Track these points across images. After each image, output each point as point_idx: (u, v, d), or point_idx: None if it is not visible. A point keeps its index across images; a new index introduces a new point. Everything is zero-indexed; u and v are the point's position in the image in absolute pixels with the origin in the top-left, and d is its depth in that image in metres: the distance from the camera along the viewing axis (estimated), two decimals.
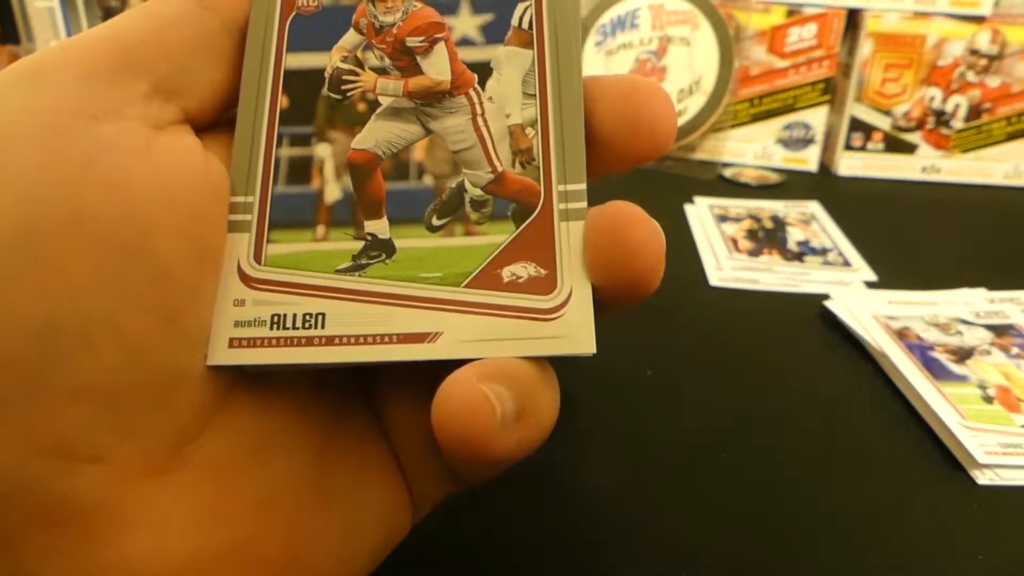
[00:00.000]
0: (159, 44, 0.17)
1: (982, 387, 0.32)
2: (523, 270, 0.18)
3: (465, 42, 0.20)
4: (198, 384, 0.16)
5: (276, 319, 0.17)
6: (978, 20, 0.60)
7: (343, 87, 0.19)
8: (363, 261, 0.18)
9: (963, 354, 0.35)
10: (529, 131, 0.19)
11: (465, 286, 0.18)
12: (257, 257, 0.18)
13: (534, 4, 0.20)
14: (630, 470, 0.29)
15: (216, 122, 0.18)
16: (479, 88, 0.19)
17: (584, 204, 0.18)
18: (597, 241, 0.17)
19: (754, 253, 0.48)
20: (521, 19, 0.20)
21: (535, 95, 0.19)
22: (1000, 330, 0.37)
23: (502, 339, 0.17)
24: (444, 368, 0.16)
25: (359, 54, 0.19)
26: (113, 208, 0.15)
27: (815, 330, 0.39)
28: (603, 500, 0.27)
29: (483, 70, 0.19)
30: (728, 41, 0.63)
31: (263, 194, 0.18)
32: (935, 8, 0.60)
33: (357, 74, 0.19)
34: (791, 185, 0.61)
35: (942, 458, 0.29)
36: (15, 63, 0.16)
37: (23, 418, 0.13)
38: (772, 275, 0.45)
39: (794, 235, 0.50)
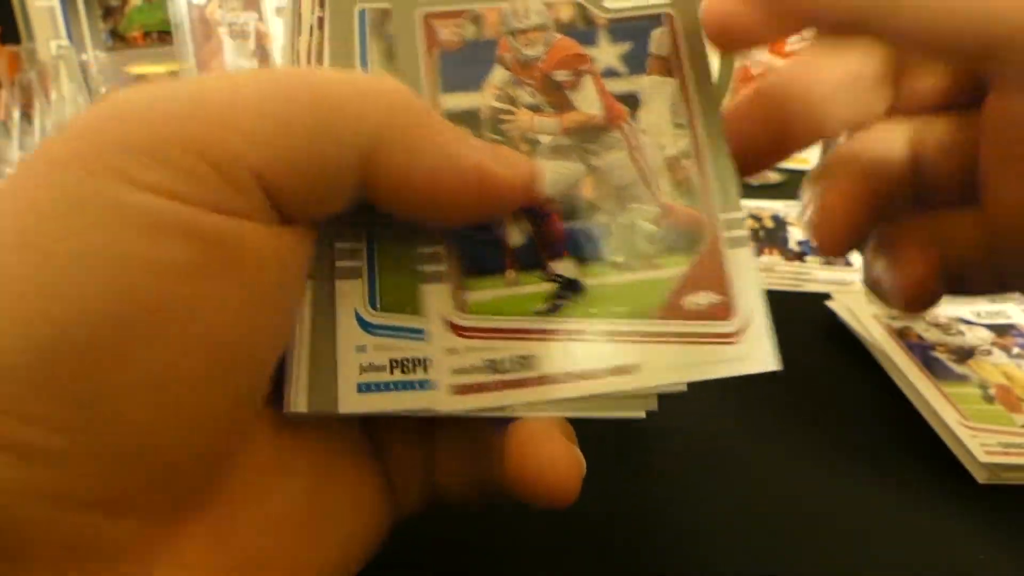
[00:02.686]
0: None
1: (983, 387, 0.32)
2: (703, 298, 0.19)
3: (610, 73, 0.20)
4: (239, 433, 0.16)
5: (490, 364, 0.18)
6: None
7: (501, 127, 0.19)
8: (557, 302, 0.18)
9: (964, 354, 0.35)
10: (684, 162, 0.19)
11: (655, 319, 0.18)
12: (462, 306, 0.18)
13: (669, 29, 0.20)
14: (626, 464, 0.29)
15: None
16: (631, 121, 0.20)
17: (745, 232, 0.19)
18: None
19: (755, 253, 0.48)
20: (660, 45, 0.20)
21: (685, 126, 0.20)
22: (1001, 330, 0.37)
23: (696, 364, 0.18)
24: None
25: (511, 91, 0.20)
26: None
27: (816, 330, 0.39)
28: (594, 497, 0.27)
29: (632, 102, 0.20)
30: None
31: (449, 243, 0.18)
32: None
33: (513, 113, 0.19)
34: (792, 184, 0.61)
35: (943, 457, 0.29)
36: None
37: (67, 475, 0.13)
38: (773, 275, 0.45)
39: (795, 235, 0.50)
